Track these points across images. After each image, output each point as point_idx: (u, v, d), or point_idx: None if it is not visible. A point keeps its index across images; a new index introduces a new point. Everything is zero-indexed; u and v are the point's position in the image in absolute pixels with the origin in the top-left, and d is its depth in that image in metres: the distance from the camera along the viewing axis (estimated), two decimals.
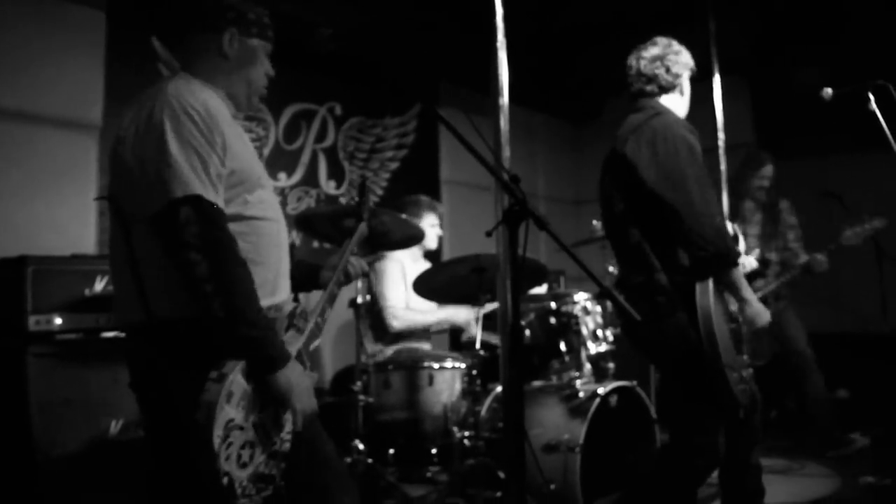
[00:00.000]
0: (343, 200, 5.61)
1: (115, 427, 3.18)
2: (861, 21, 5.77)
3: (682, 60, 3.00)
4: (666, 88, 2.98)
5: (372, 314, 4.40)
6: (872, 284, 4.30)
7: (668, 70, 2.96)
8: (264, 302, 1.92)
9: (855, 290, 5.04)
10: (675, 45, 3.01)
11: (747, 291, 2.77)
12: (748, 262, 3.97)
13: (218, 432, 1.74)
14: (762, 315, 2.80)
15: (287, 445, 1.97)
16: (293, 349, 2.02)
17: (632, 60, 3.03)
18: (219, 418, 1.74)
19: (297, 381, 1.91)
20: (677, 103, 3.02)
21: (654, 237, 2.82)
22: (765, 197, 5.02)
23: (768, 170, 4.98)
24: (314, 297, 2.32)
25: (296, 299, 2.22)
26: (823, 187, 4.65)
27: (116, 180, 1.97)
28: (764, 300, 4.45)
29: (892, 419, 4.61)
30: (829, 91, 3.34)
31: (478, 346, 3.76)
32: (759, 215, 5.03)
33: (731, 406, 2.77)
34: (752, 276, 4.43)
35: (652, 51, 2.99)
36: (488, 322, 3.94)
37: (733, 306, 2.95)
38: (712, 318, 2.63)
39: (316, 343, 2.18)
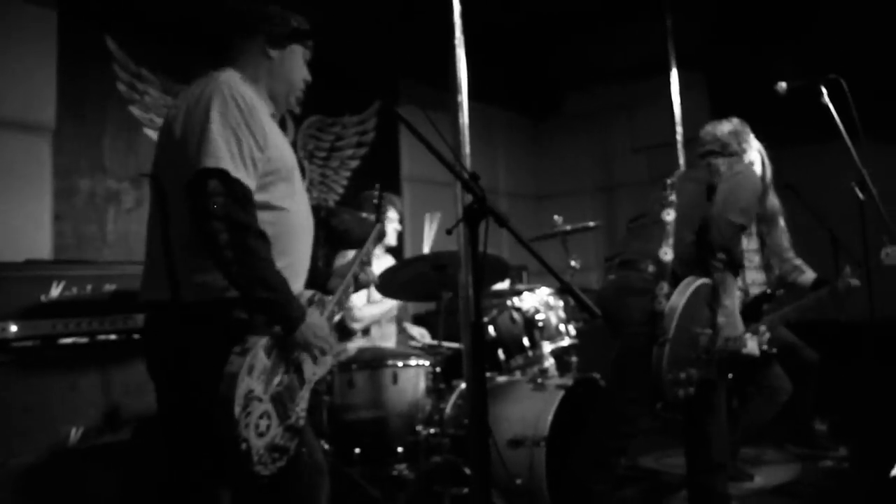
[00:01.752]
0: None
1: (74, 435, 3.12)
2: (821, 15, 5.87)
3: (751, 142, 3.43)
4: (731, 155, 3.31)
5: None
6: (829, 273, 4.37)
7: (739, 144, 3.35)
8: None
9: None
10: (748, 129, 3.41)
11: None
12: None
13: (239, 401, 1.90)
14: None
15: (302, 422, 2.12)
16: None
17: (709, 127, 3.42)
18: (240, 388, 1.90)
19: (317, 330, 2.11)
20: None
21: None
22: None
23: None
24: None
25: None
26: (781, 180, 4.68)
27: (162, 157, 2.17)
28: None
29: (846, 406, 4.70)
30: (783, 85, 3.41)
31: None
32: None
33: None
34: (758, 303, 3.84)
35: (728, 126, 3.38)
36: (449, 321, 3.94)
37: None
38: (678, 313, 2.87)
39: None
